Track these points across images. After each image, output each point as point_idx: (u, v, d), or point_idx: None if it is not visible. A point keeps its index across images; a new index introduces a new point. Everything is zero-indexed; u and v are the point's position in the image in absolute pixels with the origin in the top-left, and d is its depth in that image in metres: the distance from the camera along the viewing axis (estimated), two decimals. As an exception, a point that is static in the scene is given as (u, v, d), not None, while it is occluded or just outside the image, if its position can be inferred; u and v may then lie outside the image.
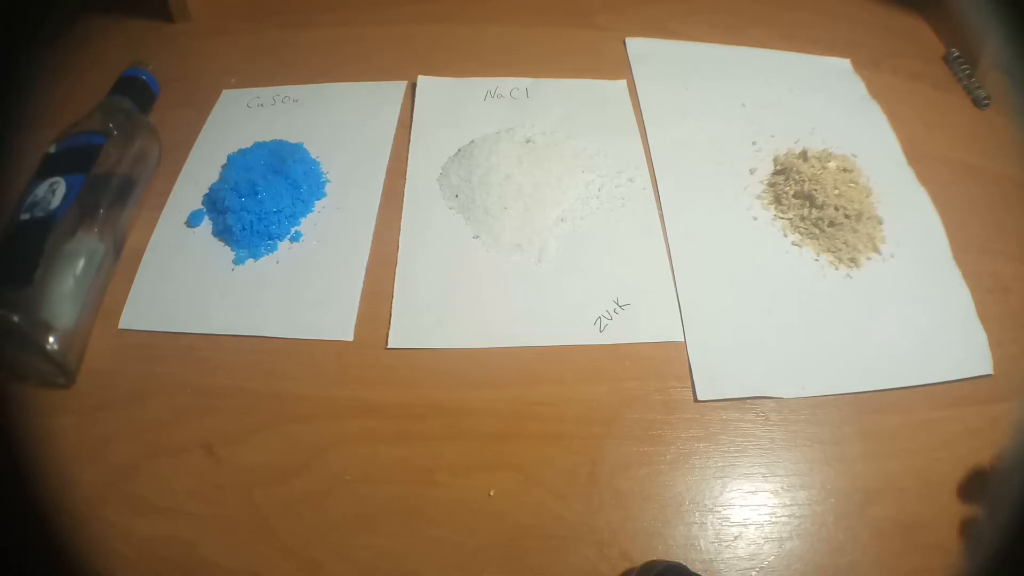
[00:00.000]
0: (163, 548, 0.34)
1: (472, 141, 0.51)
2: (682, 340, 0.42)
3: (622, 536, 0.35)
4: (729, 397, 0.40)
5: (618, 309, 0.43)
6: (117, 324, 0.42)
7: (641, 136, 0.53)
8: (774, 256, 0.46)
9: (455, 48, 0.59)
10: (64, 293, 0.39)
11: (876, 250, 0.46)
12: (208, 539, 0.34)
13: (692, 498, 0.36)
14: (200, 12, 0.61)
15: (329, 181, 0.49)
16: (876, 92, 0.57)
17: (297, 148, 0.50)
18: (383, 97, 0.55)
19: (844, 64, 0.60)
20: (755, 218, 0.48)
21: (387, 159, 0.51)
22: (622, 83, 0.57)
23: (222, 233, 0.46)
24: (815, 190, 0.46)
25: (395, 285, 0.44)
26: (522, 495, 0.36)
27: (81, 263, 0.40)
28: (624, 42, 0.60)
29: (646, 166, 0.51)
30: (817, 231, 0.46)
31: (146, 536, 0.35)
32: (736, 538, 0.35)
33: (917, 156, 0.52)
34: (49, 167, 0.43)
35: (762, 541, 0.35)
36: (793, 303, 0.44)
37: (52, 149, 0.44)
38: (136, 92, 0.50)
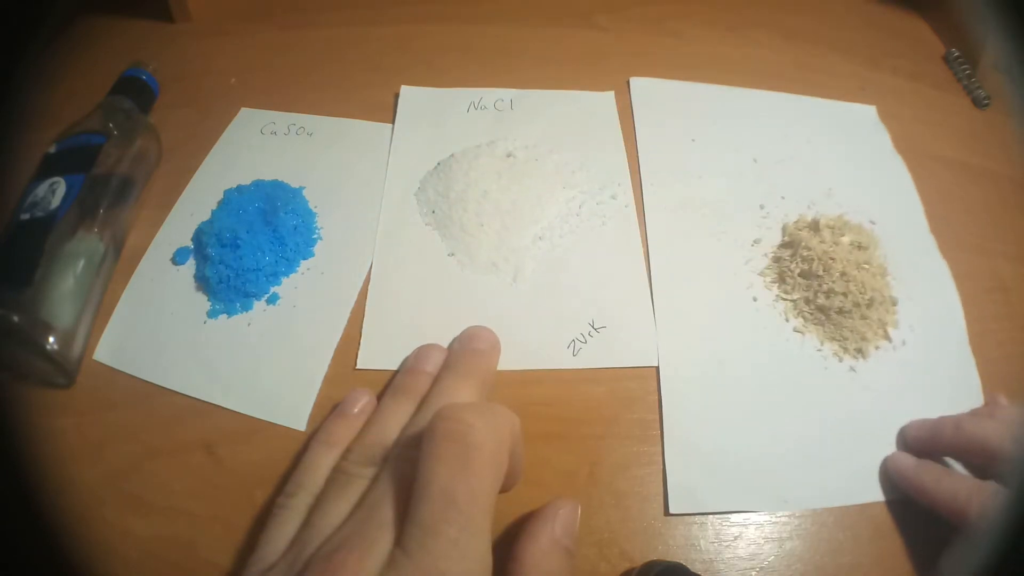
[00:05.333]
0: (163, 548, 0.34)
1: (452, 155, 0.50)
2: (656, 365, 0.40)
3: (622, 536, 0.35)
4: (703, 511, 0.36)
5: (593, 332, 0.42)
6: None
7: (626, 150, 0.51)
8: (773, 345, 0.42)
9: (455, 48, 0.59)
10: (64, 293, 0.39)
11: (886, 337, 0.42)
12: (208, 539, 0.34)
13: (692, 498, 0.36)
14: (201, 12, 0.61)
15: (321, 239, 0.46)
16: (876, 92, 0.57)
17: (296, 195, 0.47)
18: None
19: (870, 112, 0.55)
20: (755, 299, 0.44)
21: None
22: (610, 95, 0.55)
23: (202, 280, 0.44)
24: (823, 273, 0.42)
25: (367, 303, 0.43)
26: (522, 495, 0.36)
27: (81, 263, 0.40)
28: (628, 82, 0.56)
29: (629, 182, 0.49)
30: (823, 316, 0.42)
31: (146, 536, 0.34)
32: (736, 538, 0.35)
33: (917, 156, 0.52)
34: (49, 167, 0.43)
35: (762, 541, 0.35)
36: (788, 403, 0.40)
37: (52, 149, 0.44)
38: (136, 92, 0.49)
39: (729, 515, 0.36)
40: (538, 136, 0.52)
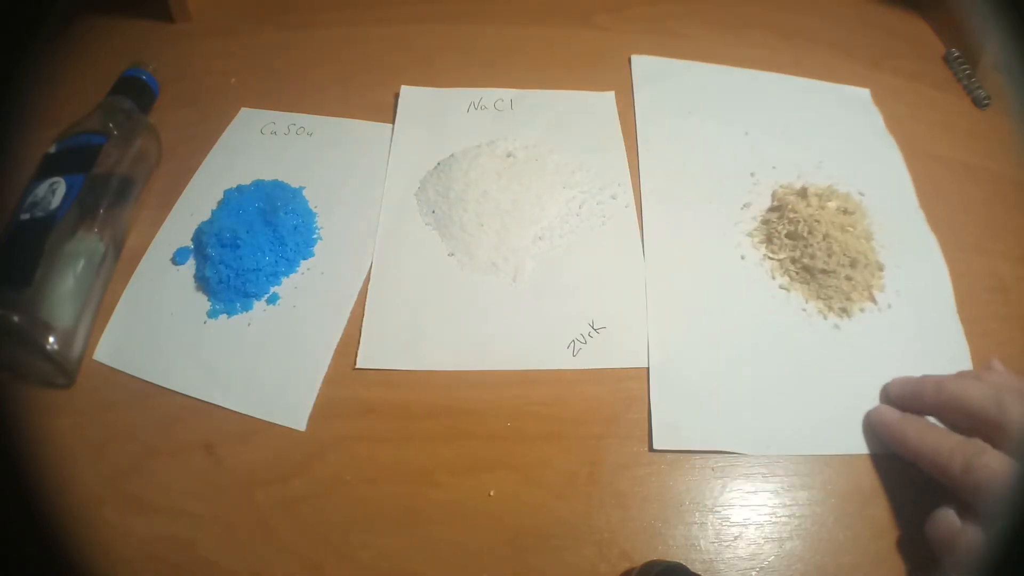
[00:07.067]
0: (162, 548, 0.34)
1: (452, 155, 0.50)
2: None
3: (622, 536, 0.35)
4: (687, 448, 0.37)
5: (593, 332, 0.42)
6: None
7: (626, 150, 0.51)
8: (758, 299, 0.43)
9: (454, 49, 0.59)
10: (64, 293, 0.39)
11: (872, 299, 0.43)
12: (208, 539, 0.35)
13: (692, 498, 0.36)
14: (201, 12, 0.61)
15: (321, 239, 0.46)
16: (876, 92, 0.57)
17: (295, 195, 0.47)
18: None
19: (863, 94, 0.56)
20: (743, 257, 0.45)
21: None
22: (610, 95, 0.55)
23: (202, 280, 0.44)
24: (808, 235, 0.43)
25: (367, 303, 0.43)
26: (522, 495, 0.36)
27: (81, 263, 0.40)
28: (629, 59, 0.57)
29: (629, 182, 0.49)
30: (808, 276, 0.43)
31: (145, 536, 0.35)
32: (736, 538, 0.35)
33: (917, 155, 0.52)
34: (49, 167, 0.43)
35: (762, 541, 0.35)
36: (771, 352, 0.41)
37: (52, 149, 0.44)
38: (136, 92, 0.49)
39: (729, 515, 0.36)
40: (538, 136, 0.52)
